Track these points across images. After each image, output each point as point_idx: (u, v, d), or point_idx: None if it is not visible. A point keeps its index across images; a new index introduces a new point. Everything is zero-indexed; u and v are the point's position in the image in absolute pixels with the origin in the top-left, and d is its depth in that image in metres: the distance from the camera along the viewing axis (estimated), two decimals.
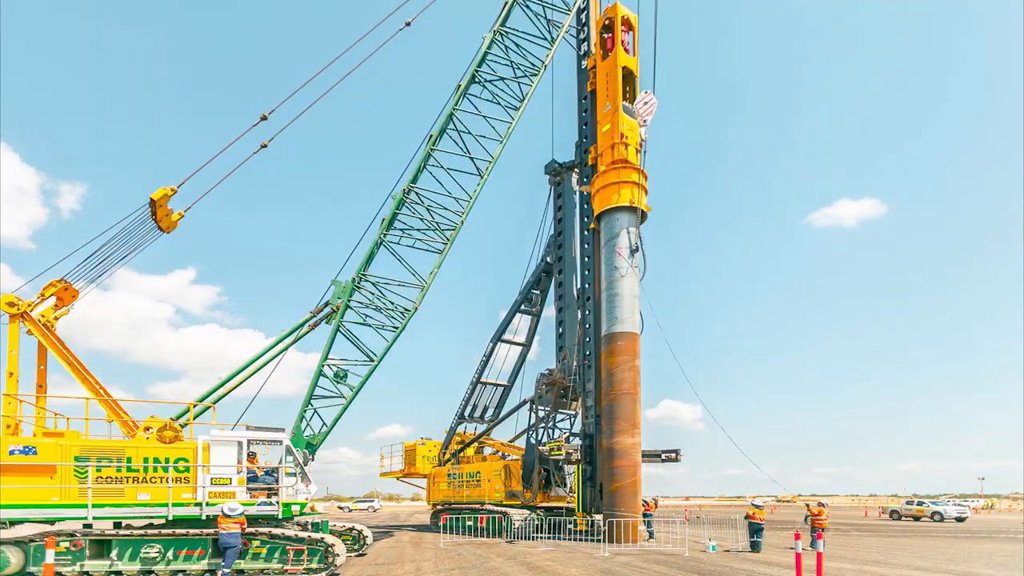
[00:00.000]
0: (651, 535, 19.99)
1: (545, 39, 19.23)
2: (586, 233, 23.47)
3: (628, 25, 22.40)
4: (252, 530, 12.17)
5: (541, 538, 19.00)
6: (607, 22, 22.37)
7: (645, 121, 19.98)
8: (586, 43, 24.67)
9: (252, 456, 13.32)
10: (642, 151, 21.19)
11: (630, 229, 20.98)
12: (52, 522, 11.47)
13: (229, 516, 11.35)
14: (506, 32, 18.59)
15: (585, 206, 23.58)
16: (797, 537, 11.85)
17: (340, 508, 62.83)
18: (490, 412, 29.15)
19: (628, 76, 22.05)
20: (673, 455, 22.04)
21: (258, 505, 12.73)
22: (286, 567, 12.23)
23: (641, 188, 21.17)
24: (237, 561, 11.90)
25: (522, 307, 27.76)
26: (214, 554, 11.95)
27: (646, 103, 20.03)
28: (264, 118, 16.34)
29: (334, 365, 15.91)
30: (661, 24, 20.29)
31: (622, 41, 21.92)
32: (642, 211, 21.05)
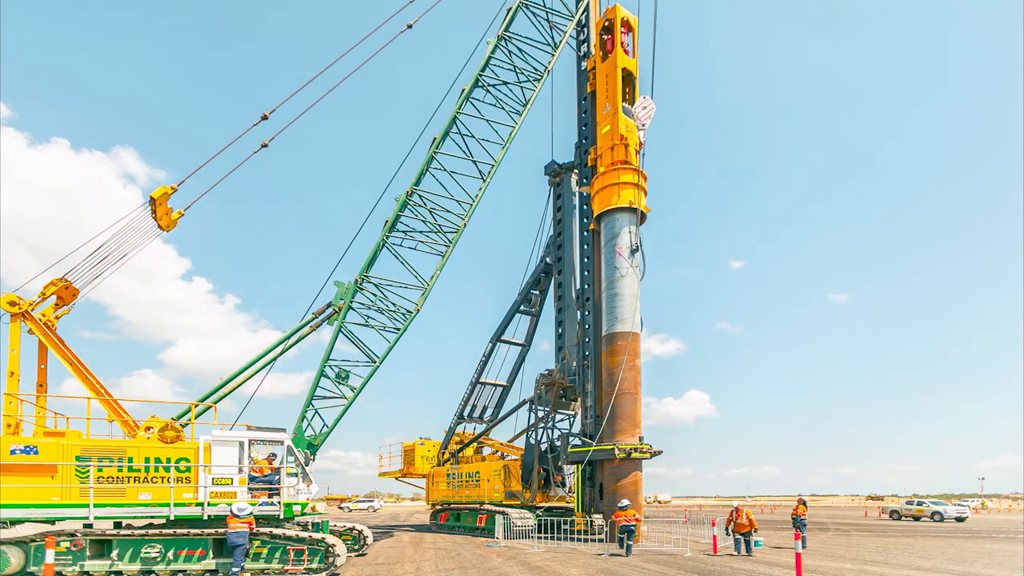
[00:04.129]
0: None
1: (548, 44, 19.28)
2: (585, 234, 23.48)
3: (628, 27, 22.40)
4: (253, 530, 12.17)
5: (537, 538, 18.98)
6: (607, 24, 22.35)
7: (644, 125, 19.94)
8: (586, 44, 24.68)
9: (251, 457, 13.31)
10: (641, 154, 21.16)
11: (630, 229, 21.00)
12: (53, 522, 11.46)
13: (238, 516, 11.32)
14: (510, 37, 18.62)
15: (585, 207, 23.57)
16: (797, 537, 11.87)
17: (340, 508, 62.82)
18: (489, 412, 29.15)
19: (628, 77, 22.04)
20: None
21: (259, 505, 12.74)
22: (287, 567, 12.23)
23: (641, 189, 21.18)
24: None
25: (521, 307, 27.78)
26: (215, 554, 11.96)
27: (644, 108, 20.01)
28: (265, 118, 16.35)
29: (336, 366, 15.92)
30: (661, 26, 20.34)
31: (622, 43, 21.93)
32: (642, 212, 21.07)
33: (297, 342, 16.03)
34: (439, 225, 17.31)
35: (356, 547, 16.26)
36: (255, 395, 16.17)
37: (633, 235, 20.96)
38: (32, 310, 13.20)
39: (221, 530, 11.90)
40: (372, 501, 66.99)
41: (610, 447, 19.59)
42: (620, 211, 21.03)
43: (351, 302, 16.08)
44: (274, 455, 13.45)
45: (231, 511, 11.44)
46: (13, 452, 11.18)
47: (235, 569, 11.26)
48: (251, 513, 11.61)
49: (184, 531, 11.83)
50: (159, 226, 15.18)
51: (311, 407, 15.66)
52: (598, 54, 22.88)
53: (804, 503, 18.35)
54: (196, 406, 14.27)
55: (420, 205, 17.20)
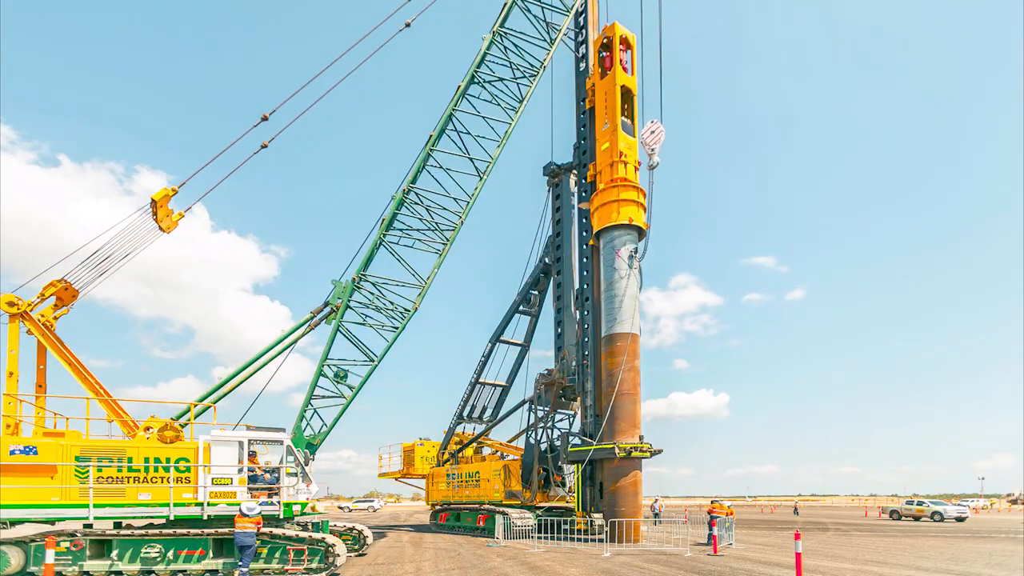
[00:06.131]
0: None
1: (544, 40, 19.24)
2: (584, 234, 23.56)
3: (626, 44, 22.42)
4: (260, 529, 12.19)
5: (537, 538, 18.97)
6: (605, 41, 22.35)
7: (653, 150, 19.51)
8: (584, 46, 24.67)
9: (252, 455, 13.34)
10: (651, 181, 20.37)
11: (629, 246, 21.04)
12: (52, 522, 11.47)
13: (247, 516, 11.29)
14: (505, 33, 18.60)
15: (584, 220, 23.61)
16: (797, 537, 11.86)
17: (340, 508, 62.82)
18: (488, 412, 29.15)
19: (627, 94, 22.08)
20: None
21: (259, 505, 12.74)
22: (287, 567, 12.24)
23: (640, 206, 21.20)
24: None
25: (520, 308, 27.77)
26: (215, 554, 11.98)
27: (653, 132, 19.53)
28: (265, 119, 16.35)
29: (334, 365, 15.92)
30: (654, 44, 20.04)
31: (620, 60, 21.93)
32: (641, 228, 21.11)
33: (295, 342, 16.03)
34: (436, 223, 17.30)
35: (356, 547, 16.26)
36: (263, 392, 16.16)
37: (632, 252, 20.99)
38: (31, 310, 13.21)
39: (221, 530, 11.92)
40: (372, 501, 67.01)
41: (610, 446, 19.60)
42: (620, 228, 21.06)
43: (348, 301, 16.08)
44: (254, 452, 13.43)
45: (240, 511, 11.41)
46: (13, 452, 11.19)
47: (243, 569, 11.21)
48: (259, 513, 11.62)
49: (184, 531, 11.84)
50: (160, 228, 15.20)
51: (310, 407, 15.67)
52: (596, 72, 22.82)
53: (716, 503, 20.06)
54: (195, 406, 14.29)
55: (417, 203, 17.19)
